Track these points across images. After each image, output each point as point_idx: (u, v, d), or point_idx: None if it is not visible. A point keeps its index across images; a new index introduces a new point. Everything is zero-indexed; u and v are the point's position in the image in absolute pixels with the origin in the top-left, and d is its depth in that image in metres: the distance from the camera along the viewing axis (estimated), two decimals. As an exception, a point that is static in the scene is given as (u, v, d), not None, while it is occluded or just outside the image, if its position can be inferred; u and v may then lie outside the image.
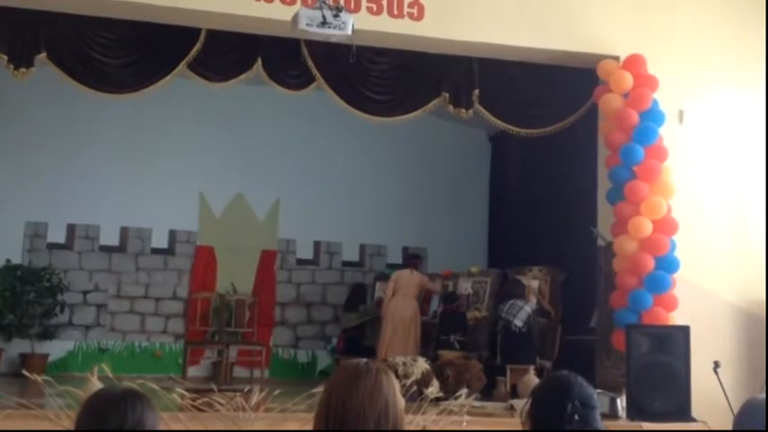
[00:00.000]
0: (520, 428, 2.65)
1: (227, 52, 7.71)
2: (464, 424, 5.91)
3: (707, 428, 6.28)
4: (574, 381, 2.61)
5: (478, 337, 9.42)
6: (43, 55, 7.18)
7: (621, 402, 6.71)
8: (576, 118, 8.06)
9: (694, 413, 6.67)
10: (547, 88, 8.13)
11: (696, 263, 7.39)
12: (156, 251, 11.20)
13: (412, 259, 10.78)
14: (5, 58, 7.06)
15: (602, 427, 2.60)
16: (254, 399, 5.54)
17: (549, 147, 9.10)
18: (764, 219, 7.74)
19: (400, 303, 9.94)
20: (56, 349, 10.47)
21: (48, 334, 10.36)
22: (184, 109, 10.91)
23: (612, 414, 6.58)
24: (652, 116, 7.39)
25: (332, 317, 11.67)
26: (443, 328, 9.33)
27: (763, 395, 2.89)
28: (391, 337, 9.81)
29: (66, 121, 10.78)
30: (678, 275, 7.19)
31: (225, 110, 11.01)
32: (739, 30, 8.00)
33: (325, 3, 5.96)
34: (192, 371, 10.11)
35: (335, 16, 5.92)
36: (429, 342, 9.77)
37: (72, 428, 2.48)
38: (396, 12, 7.27)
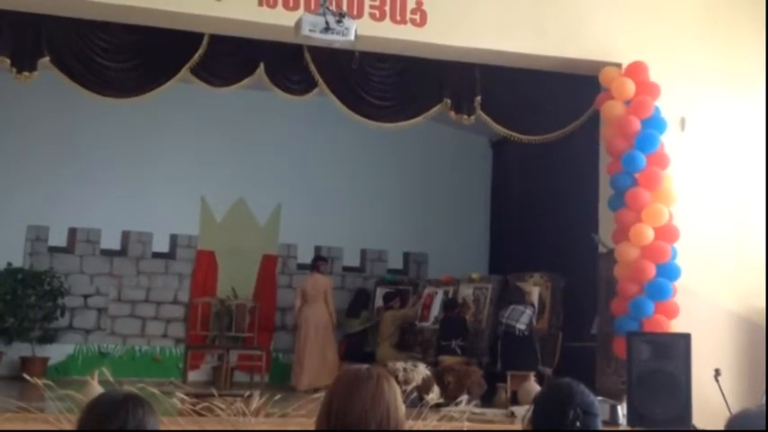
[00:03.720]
0: (519, 435, 2.66)
1: (230, 57, 7.72)
2: (464, 430, 5.91)
3: (707, 436, 6.27)
4: (576, 388, 2.61)
5: (479, 344, 9.42)
6: (46, 59, 7.19)
7: (622, 410, 6.71)
8: (578, 125, 8.07)
9: (695, 421, 6.66)
10: (549, 95, 8.13)
11: (697, 270, 7.39)
12: (156, 255, 11.20)
13: (316, 261, 10.68)
14: (8, 61, 7.07)
15: None
16: (255, 404, 5.55)
17: (551, 153, 9.10)
18: (765, 227, 7.73)
19: (311, 310, 10.04)
20: (56, 353, 10.46)
21: (48, 337, 10.36)
22: (186, 113, 10.92)
23: (613, 421, 6.58)
24: (654, 123, 7.40)
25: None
26: (444, 333, 9.32)
27: (756, 407, 2.87)
28: (304, 347, 9.87)
29: (68, 125, 10.79)
30: (679, 283, 7.19)
31: (227, 115, 11.02)
32: (741, 38, 8.01)
33: (328, 8, 5.97)
34: (193, 375, 10.08)
35: (338, 22, 5.93)
36: (429, 348, 9.76)
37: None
38: (398, 18, 7.29)
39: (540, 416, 2.61)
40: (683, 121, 7.76)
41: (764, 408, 2.76)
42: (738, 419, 2.77)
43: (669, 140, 7.46)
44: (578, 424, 2.53)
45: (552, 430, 2.56)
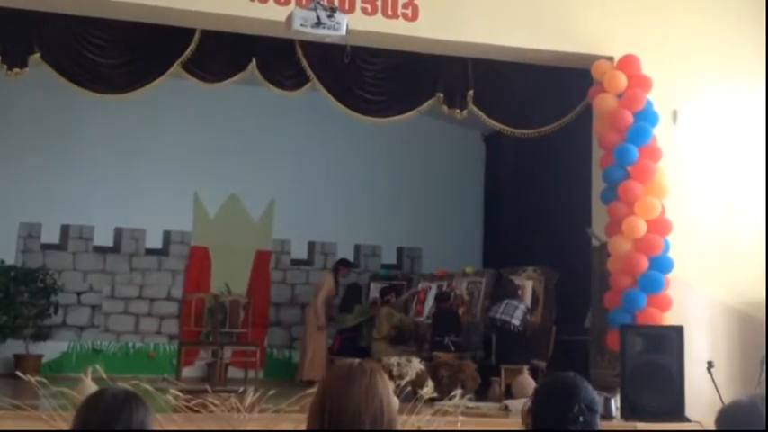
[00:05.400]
0: (514, 428, 2.66)
1: (222, 53, 7.71)
2: (458, 424, 5.91)
3: (701, 428, 6.28)
4: (580, 383, 2.61)
5: (473, 338, 9.42)
6: (37, 55, 7.17)
7: (616, 402, 6.72)
8: (571, 118, 8.08)
9: (688, 413, 6.68)
10: (541, 89, 8.13)
11: (690, 263, 7.41)
12: (150, 252, 11.18)
13: (337, 264, 11.03)
14: (-1, 57, 7.05)
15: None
16: (249, 399, 5.54)
17: (544, 147, 9.11)
18: (764, 218, 7.75)
19: (310, 307, 10.45)
20: (50, 350, 10.43)
21: (42, 335, 10.33)
22: (179, 109, 10.89)
23: (607, 414, 6.58)
24: (646, 116, 7.41)
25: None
26: (437, 329, 9.31)
27: (748, 398, 2.88)
28: (308, 342, 10.19)
29: (60, 122, 10.75)
30: (672, 276, 7.20)
31: (219, 110, 10.99)
32: (733, 30, 8.02)
33: (319, 3, 5.96)
34: (187, 372, 10.07)
35: (330, 17, 5.92)
36: (424, 342, 9.76)
37: (66, 428, 2.48)
38: (390, 12, 7.28)
39: (542, 408, 2.60)
40: (675, 114, 7.77)
41: (755, 399, 2.77)
42: (730, 411, 2.78)
43: (661, 133, 7.47)
44: (581, 419, 2.52)
45: (553, 425, 2.55)
